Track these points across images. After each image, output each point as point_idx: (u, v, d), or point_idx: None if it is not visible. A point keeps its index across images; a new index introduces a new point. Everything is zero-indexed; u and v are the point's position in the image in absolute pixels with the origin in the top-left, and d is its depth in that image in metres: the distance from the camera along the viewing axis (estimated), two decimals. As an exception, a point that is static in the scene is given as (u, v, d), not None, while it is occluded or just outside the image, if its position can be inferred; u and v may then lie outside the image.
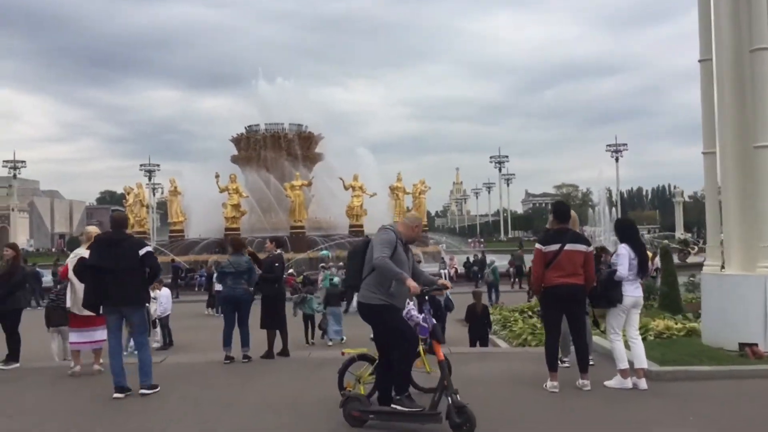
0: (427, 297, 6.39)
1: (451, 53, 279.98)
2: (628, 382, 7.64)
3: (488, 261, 33.13)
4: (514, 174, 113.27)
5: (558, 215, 7.83)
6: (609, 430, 6.41)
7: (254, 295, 10.73)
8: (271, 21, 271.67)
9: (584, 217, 68.97)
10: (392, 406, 6.22)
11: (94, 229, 9.68)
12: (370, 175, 45.96)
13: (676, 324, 11.00)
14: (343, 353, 7.34)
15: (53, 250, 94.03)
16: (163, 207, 72.41)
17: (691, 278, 16.84)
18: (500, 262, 32.03)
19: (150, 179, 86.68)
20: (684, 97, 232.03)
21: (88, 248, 8.38)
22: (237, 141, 50.44)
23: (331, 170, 46.91)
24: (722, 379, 8.02)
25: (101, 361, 9.51)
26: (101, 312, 8.24)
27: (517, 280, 31.82)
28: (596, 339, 9.48)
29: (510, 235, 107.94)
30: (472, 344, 13.22)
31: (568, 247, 7.52)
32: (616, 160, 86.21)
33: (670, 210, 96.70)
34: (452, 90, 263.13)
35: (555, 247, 7.54)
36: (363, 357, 7.22)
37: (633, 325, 7.93)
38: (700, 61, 10.09)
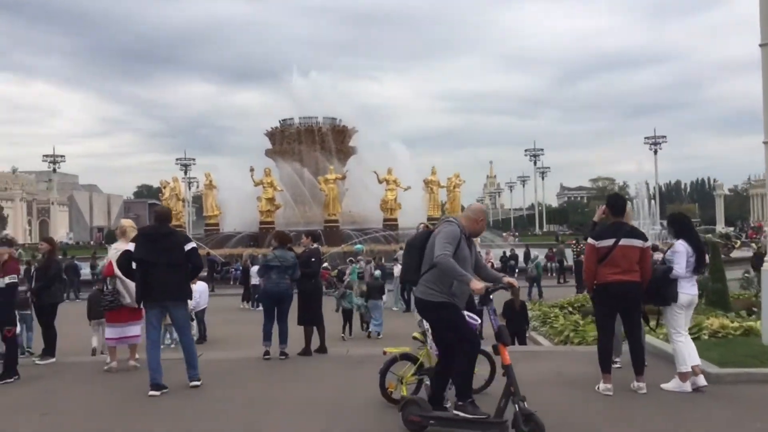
0: (491, 296, 5.85)
1: (485, 45, 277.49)
2: (687, 386, 7.21)
3: (532, 255, 32.57)
4: (549, 167, 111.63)
5: (613, 208, 7.38)
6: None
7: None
8: (303, 16, 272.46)
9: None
10: (455, 412, 5.80)
11: (128, 222, 9.56)
12: (404, 168, 45.56)
13: (732, 322, 10.45)
14: (384, 352, 7.03)
15: (92, 243, 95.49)
16: (198, 201, 73.03)
17: (746, 274, 16.23)
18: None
19: (186, 173, 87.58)
20: (724, 88, 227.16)
21: (132, 241, 8.21)
22: (271, 135, 50.44)
23: (365, 164, 46.66)
24: (788, 383, 7.51)
25: (137, 356, 9.38)
26: (142, 306, 8.14)
27: (561, 274, 31.34)
28: (648, 338, 9.02)
29: (545, 229, 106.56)
30: (511, 342, 12.81)
31: (623, 242, 7.09)
32: (655, 152, 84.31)
33: (710, 204, 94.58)
34: (486, 83, 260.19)
35: (609, 242, 7.11)
36: (405, 356, 6.92)
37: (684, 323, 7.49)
38: (761, 45, 9.52)
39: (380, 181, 42.55)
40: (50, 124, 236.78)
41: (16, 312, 10.74)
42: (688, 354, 7.28)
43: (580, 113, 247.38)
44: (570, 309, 16.54)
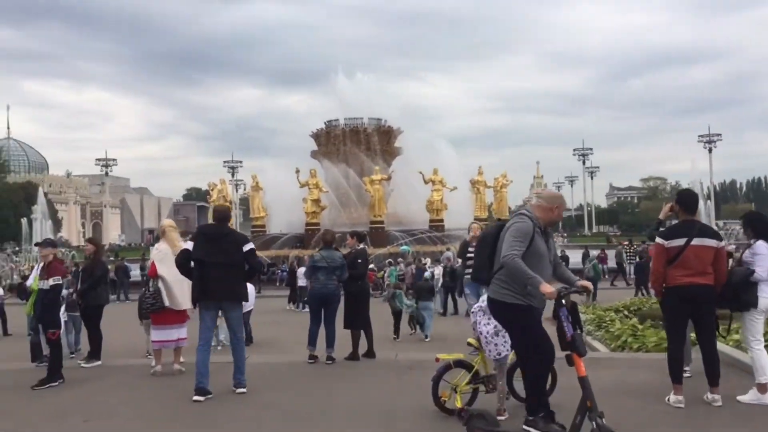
0: (564, 300, 5.30)
1: (531, 44, 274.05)
2: (766, 398, 6.61)
3: (590, 255, 31.75)
4: (598, 167, 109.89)
5: (685, 205, 6.80)
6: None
7: None
8: (349, 17, 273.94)
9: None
10: (524, 427, 5.38)
11: (168, 223, 9.42)
12: (450, 168, 45.15)
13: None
14: (437, 359, 6.62)
15: (143, 244, 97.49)
16: (245, 203, 73.72)
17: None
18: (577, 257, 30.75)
19: (233, 175, 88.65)
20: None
21: (190, 240, 8.03)
22: (317, 136, 50.50)
23: (411, 164, 46.31)
24: None
25: (182, 360, 9.19)
26: (196, 306, 7.99)
27: (622, 276, 30.56)
28: (718, 345, 8.41)
29: (594, 230, 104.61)
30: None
31: (695, 241, 6.52)
32: (710, 151, 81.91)
33: (767, 203, 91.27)
34: (533, 82, 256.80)
35: (680, 241, 6.55)
36: (459, 364, 6.52)
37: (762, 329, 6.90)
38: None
39: (426, 182, 42.17)
40: (103, 128, 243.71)
41: (66, 313, 10.72)
42: (762, 365, 6.70)
43: (629, 111, 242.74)
44: (625, 312, 15.88)
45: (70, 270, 13.61)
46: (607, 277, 31.03)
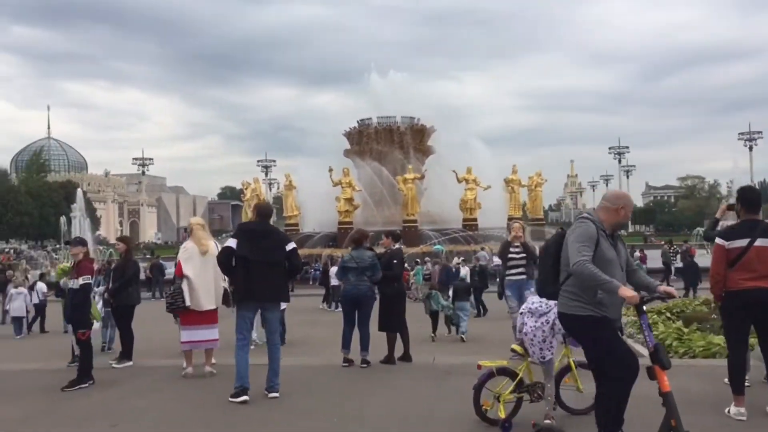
0: (645, 306, 4.88)
1: (565, 42, 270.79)
2: (835, 411, 6.14)
3: (633, 256, 31.10)
4: (634, 165, 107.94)
5: (747, 202, 6.34)
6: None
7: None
8: (382, 17, 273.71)
9: (714, 210, 64.37)
10: None
11: (195, 221, 9.25)
12: (483, 167, 44.52)
13: None
14: (479, 366, 6.25)
15: (178, 242, 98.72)
16: (278, 202, 74.02)
17: None
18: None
19: (266, 175, 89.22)
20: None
21: (233, 237, 7.72)
22: (349, 135, 50.35)
23: (444, 163, 45.90)
24: None
25: (213, 361, 8.97)
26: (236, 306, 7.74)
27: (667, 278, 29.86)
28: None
29: (630, 230, 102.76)
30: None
31: (759, 242, 6.07)
32: (750, 149, 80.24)
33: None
34: (567, 80, 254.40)
35: (742, 242, 6.10)
36: (503, 371, 6.17)
37: None
38: None
39: (459, 181, 41.70)
40: (140, 128, 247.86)
41: (101, 310, 10.59)
42: None
43: (666, 110, 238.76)
44: (668, 314, 15.32)
45: (105, 268, 13.53)
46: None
